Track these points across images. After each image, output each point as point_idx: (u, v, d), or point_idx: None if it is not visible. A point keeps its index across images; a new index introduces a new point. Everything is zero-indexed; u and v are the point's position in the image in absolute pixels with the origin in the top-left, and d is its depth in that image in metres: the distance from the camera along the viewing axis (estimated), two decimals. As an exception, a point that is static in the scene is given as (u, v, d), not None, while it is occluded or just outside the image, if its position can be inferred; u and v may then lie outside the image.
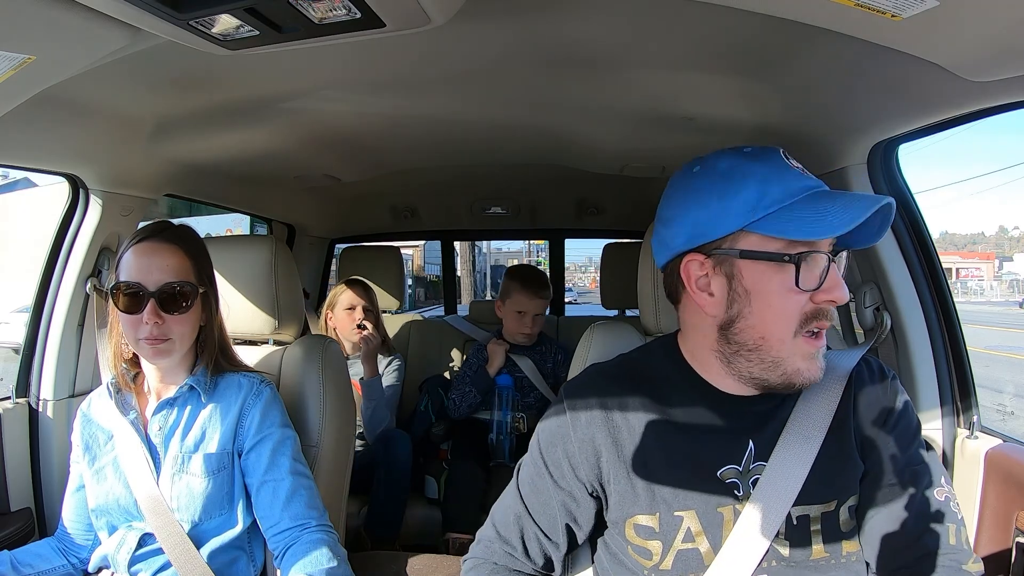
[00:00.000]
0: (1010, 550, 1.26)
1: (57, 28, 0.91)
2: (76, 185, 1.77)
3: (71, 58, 1.04)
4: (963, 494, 1.41)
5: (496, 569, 1.10)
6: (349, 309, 2.69)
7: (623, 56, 1.32)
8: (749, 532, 0.95)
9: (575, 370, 1.34)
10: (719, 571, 0.96)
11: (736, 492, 0.98)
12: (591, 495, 1.06)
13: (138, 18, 0.88)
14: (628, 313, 3.03)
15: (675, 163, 2.15)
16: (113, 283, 1.29)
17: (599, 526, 1.10)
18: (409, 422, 2.75)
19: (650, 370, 1.07)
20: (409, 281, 21.89)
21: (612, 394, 1.05)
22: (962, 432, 1.48)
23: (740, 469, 0.98)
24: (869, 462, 1.01)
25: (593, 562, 1.16)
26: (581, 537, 1.10)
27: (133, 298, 1.27)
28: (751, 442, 0.99)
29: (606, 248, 3.11)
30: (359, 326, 2.63)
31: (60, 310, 1.80)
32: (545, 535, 1.08)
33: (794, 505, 0.96)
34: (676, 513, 0.98)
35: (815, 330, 0.93)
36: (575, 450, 1.04)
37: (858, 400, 1.03)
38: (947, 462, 1.48)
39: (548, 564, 1.11)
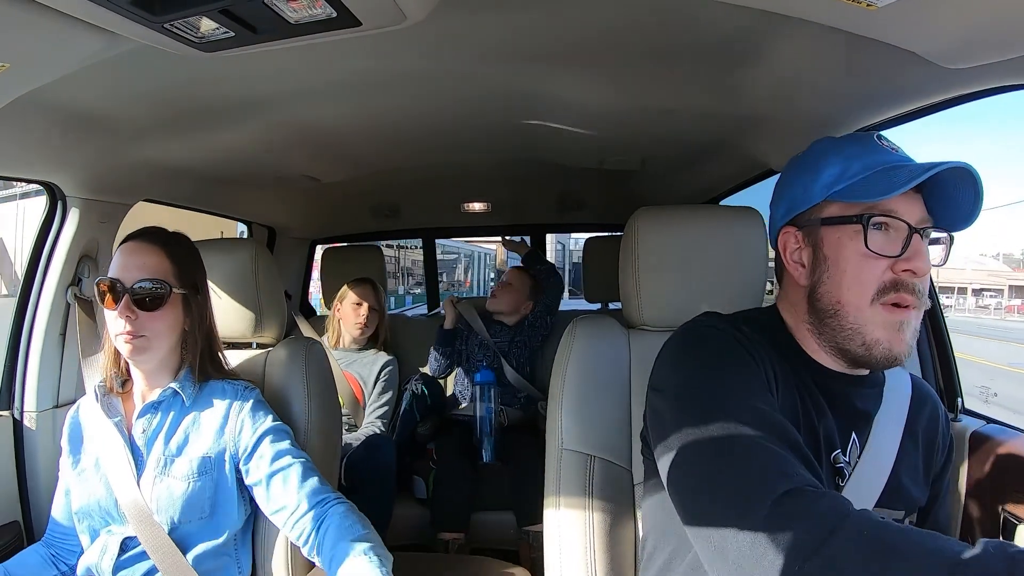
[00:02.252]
0: (996, 532, 1.27)
1: (31, 34, 0.90)
2: (53, 193, 1.74)
3: (46, 64, 1.02)
4: (948, 476, 1.43)
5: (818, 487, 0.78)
6: (356, 304, 2.86)
7: (600, 50, 1.32)
8: None
9: (559, 364, 1.33)
10: None
11: (839, 482, 0.97)
12: None
13: (113, 23, 0.87)
14: (611, 306, 3.05)
15: (655, 155, 2.18)
16: (99, 277, 1.32)
17: None
18: (394, 422, 2.75)
19: (770, 335, 1.03)
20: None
21: (757, 340, 0.99)
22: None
23: (846, 458, 0.98)
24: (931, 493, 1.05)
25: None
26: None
27: (111, 293, 1.30)
28: (854, 429, 1.00)
29: (588, 242, 3.13)
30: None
31: (41, 320, 1.77)
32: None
33: (875, 506, 0.96)
34: None
35: (898, 303, 0.92)
36: (759, 361, 0.95)
37: (920, 419, 1.05)
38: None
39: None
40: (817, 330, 0.99)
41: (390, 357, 2.84)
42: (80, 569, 1.37)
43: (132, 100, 1.45)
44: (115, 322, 1.30)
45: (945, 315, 1.55)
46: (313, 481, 1.34)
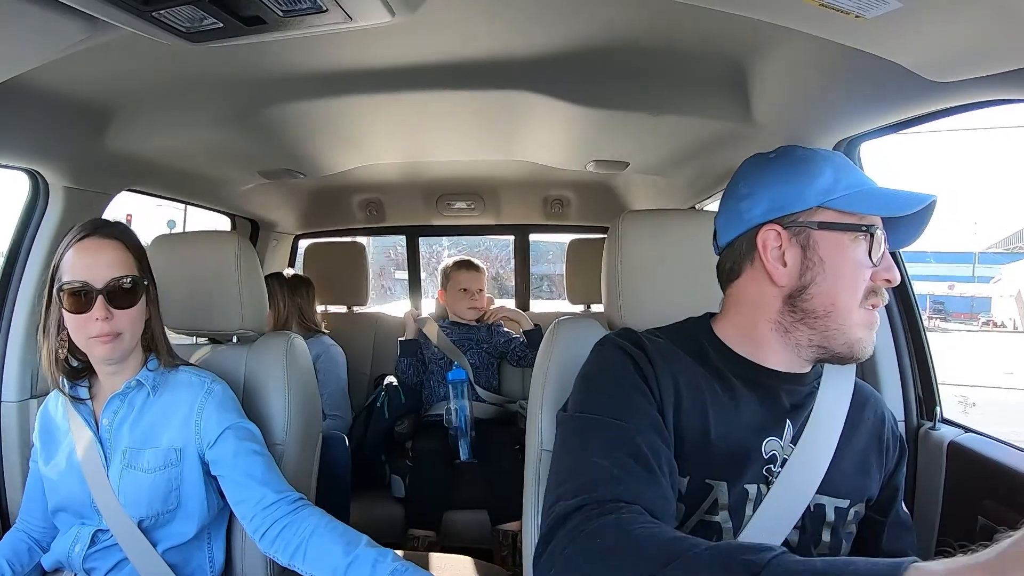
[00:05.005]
0: (974, 538, 1.29)
1: (13, 20, 0.89)
2: (36, 181, 1.72)
3: (29, 51, 1.01)
4: (927, 484, 1.45)
5: (630, 509, 0.83)
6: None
7: (587, 53, 1.33)
8: (773, 515, 0.99)
9: (540, 365, 1.34)
10: None
11: (769, 468, 1.01)
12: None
13: (99, 8, 0.86)
14: (593, 308, 3.05)
15: (640, 159, 2.20)
16: (58, 284, 1.27)
17: None
18: (367, 419, 2.72)
19: (690, 343, 1.08)
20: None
21: (667, 349, 1.05)
22: (925, 423, 1.52)
23: (781, 443, 1.02)
24: (891, 496, 1.11)
25: None
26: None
27: (81, 297, 1.25)
28: (788, 416, 1.03)
29: (571, 243, 3.14)
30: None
31: (21, 310, 1.75)
32: (656, 436, 0.93)
33: (818, 493, 1.01)
34: (708, 481, 0.99)
35: (876, 304, 0.99)
36: (656, 372, 0.99)
37: (862, 415, 1.10)
38: (910, 453, 1.51)
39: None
40: (786, 330, 1.02)
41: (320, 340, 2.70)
42: (49, 559, 1.37)
43: (117, 88, 1.44)
44: (87, 325, 1.26)
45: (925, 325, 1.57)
46: (276, 478, 1.34)
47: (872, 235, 0.97)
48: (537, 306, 3.64)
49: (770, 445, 1.01)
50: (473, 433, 2.53)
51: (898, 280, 0.99)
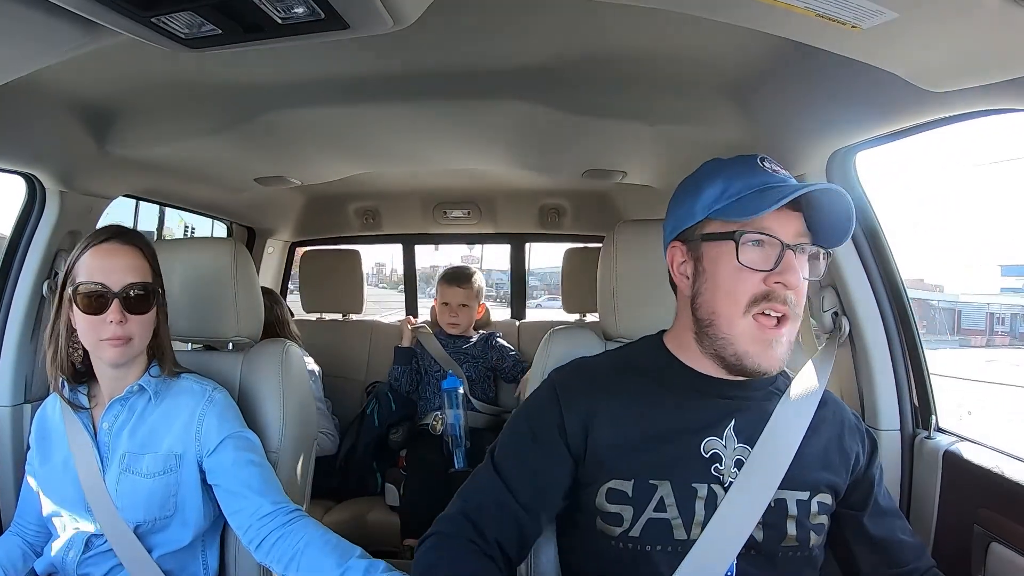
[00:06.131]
0: (969, 547, 1.29)
1: (11, 24, 0.88)
2: (33, 185, 1.72)
3: (27, 56, 1.01)
4: (922, 493, 1.45)
5: (469, 546, 1.04)
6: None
7: (583, 63, 1.34)
8: (734, 515, 1.01)
9: (535, 374, 1.34)
10: (702, 553, 1.00)
11: (716, 468, 1.05)
12: (573, 459, 1.09)
13: (98, 14, 0.86)
14: (588, 318, 3.05)
15: (636, 168, 2.20)
16: (72, 286, 1.29)
17: (571, 498, 1.12)
18: (359, 427, 2.72)
19: (635, 359, 1.17)
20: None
21: (599, 374, 1.15)
22: (920, 432, 1.51)
23: (722, 442, 1.06)
24: (862, 495, 1.14)
25: (557, 546, 1.20)
26: (558, 508, 1.12)
27: (97, 299, 1.28)
28: (732, 419, 1.07)
29: (567, 252, 3.14)
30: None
31: (16, 314, 1.74)
32: (523, 508, 1.06)
33: (780, 488, 1.04)
34: (652, 481, 1.04)
35: (768, 312, 1.01)
36: (566, 417, 1.09)
37: (843, 427, 1.15)
38: (906, 462, 1.51)
39: (516, 546, 1.08)
40: (699, 338, 1.09)
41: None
42: (42, 565, 1.36)
43: (114, 93, 1.44)
44: (99, 327, 1.28)
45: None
46: (274, 490, 1.34)
47: (736, 241, 1.01)
48: (532, 315, 3.64)
49: (709, 445, 1.06)
50: (468, 442, 2.52)
51: (794, 283, 1.01)
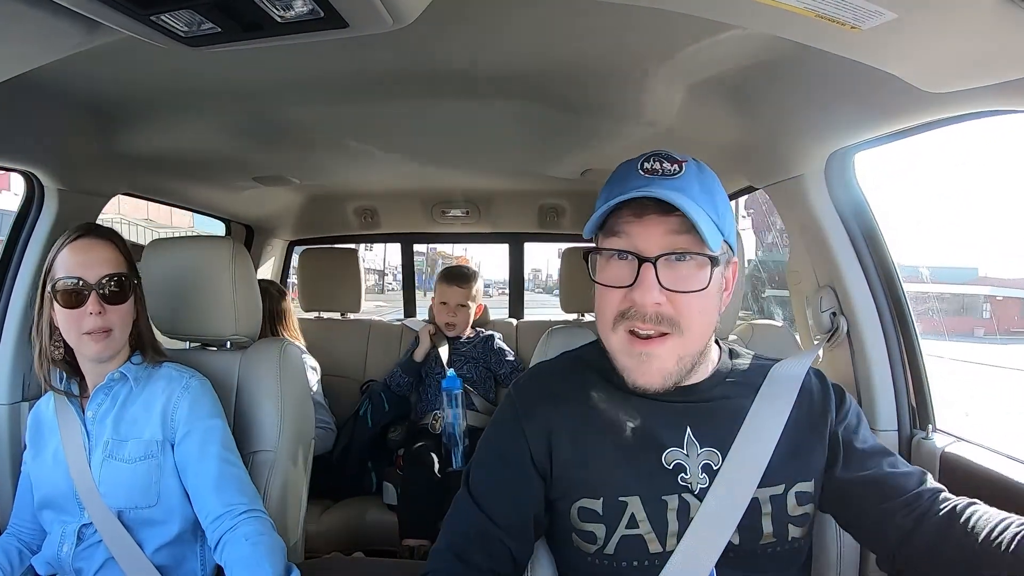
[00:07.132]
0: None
1: (11, 22, 0.88)
2: (32, 183, 1.72)
3: (27, 54, 1.01)
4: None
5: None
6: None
7: (582, 63, 1.34)
8: (708, 523, 0.98)
9: None
10: (680, 564, 0.97)
11: (683, 477, 1.01)
12: (541, 478, 1.07)
13: (98, 12, 0.86)
14: (587, 317, 3.05)
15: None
16: (51, 283, 1.32)
17: (549, 513, 1.10)
18: (353, 427, 2.71)
19: (590, 363, 1.13)
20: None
21: (557, 384, 1.11)
22: (918, 433, 1.52)
23: (683, 451, 1.02)
24: (832, 451, 1.06)
25: (553, 557, 1.17)
26: (544, 523, 1.09)
27: (74, 294, 1.31)
28: (687, 426, 1.03)
29: (566, 252, 3.14)
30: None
31: (14, 313, 1.74)
32: (506, 532, 1.04)
33: (759, 487, 1.00)
34: (620, 498, 1.01)
35: (631, 330, 0.98)
36: (529, 438, 1.06)
37: (811, 402, 1.09)
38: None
39: (511, 564, 1.06)
40: None
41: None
42: (40, 563, 1.37)
43: (114, 92, 1.44)
44: (80, 321, 1.31)
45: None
46: (229, 489, 1.34)
47: (586, 259, 1.02)
48: (530, 315, 3.64)
49: (670, 456, 1.02)
50: (467, 441, 2.51)
51: (642, 303, 0.95)
